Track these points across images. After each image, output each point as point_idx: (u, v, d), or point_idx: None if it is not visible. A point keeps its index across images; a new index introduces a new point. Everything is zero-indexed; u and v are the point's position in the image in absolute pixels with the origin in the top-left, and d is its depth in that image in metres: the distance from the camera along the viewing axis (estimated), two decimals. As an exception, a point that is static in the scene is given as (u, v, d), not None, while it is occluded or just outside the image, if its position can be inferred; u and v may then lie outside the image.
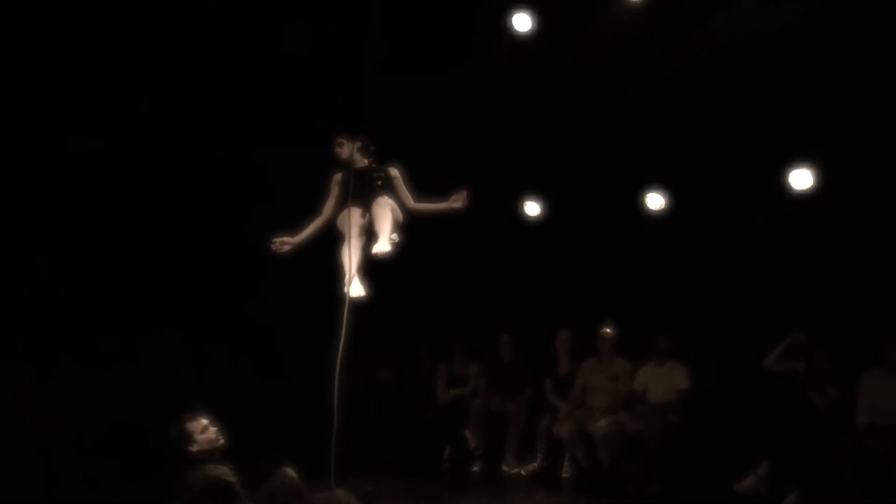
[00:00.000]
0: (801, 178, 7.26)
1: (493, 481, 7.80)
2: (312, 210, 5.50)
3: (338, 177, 5.40)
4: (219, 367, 7.67)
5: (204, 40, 7.19)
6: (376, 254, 4.94)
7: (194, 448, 4.62)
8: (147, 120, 7.27)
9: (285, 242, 5.30)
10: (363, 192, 5.24)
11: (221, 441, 4.69)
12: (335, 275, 5.14)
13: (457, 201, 5.36)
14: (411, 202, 5.42)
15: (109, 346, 6.98)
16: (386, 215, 5.11)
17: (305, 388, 8.02)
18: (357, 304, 5.01)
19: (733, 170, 7.46)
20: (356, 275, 5.06)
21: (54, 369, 6.59)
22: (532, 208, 8.80)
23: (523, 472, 7.91)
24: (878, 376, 6.50)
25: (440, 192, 5.48)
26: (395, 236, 5.08)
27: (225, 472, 4.54)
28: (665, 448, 7.09)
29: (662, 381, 7.56)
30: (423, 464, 8.21)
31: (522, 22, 7.60)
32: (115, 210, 7.10)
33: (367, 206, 5.20)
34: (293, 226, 5.45)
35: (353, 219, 5.13)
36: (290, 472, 4.77)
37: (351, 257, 5.06)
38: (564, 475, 7.66)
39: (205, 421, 4.69)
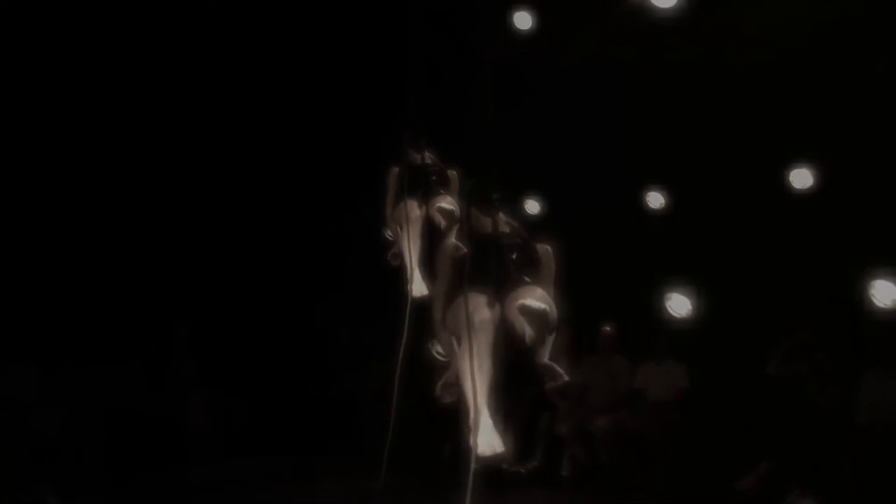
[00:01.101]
0: (803, 177, 7.29)
1: (493, 479, 7.76)
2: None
3: (394, 171, 5.23)
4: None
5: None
6: (441, 208, 4.75)
7: None
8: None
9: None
10: (417, 185, 5.01)
11: None
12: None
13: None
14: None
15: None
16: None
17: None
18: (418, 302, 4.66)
19: (735, 168, 7.46)
20: (417, 270, 4.70)
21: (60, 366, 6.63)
22: (532, 206, 8.80)
23: (523, 471, 7.90)
24: (879, 375, 6.49)
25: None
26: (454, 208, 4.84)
27: None
28: (665, 446, 7.10)
29: (662, 379, 7.56)
30: (423, 462, 8.19)
31: (523, 20, 7.62)
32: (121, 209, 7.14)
33: (422, 200, 4.95)
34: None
35: (410, 212, 4.83)
36: None
37: (411, 252, 4.75)
38: (564, 473, 7.65)
39: None
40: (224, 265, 7.78)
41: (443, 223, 4.72)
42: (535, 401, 8.22)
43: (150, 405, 7.02)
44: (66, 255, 6.83)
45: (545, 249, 4.04)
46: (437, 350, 4.96)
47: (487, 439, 3.63)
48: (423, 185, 5.01)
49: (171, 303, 7.46)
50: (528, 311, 3.55)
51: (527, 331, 3.59)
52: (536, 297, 3.64)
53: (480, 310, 3.62)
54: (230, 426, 7.61)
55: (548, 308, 3.60)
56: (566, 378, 3.82)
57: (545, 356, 3.79)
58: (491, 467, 3.70)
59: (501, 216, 4.00)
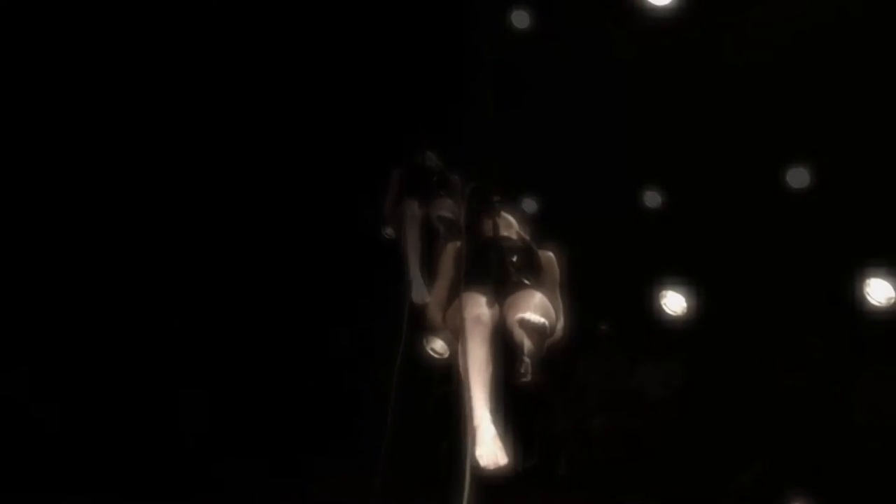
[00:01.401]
0: (800, 176, 7.32)
1: (489, 478, 7.76)
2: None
3: (396, 172, 5.24)
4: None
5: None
6: (441, 216, 4.73)
7: None
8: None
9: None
10: (418, 187, 5.01)
11: None
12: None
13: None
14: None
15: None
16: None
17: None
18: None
19: (732, 167, 7.48)
20: (418, 275, 4.63)
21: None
22: (529, 206, 8.79)
23: (520, 469, 7.90)
24: (878, 375, 6.53)
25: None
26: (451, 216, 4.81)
27: None
28: (662, 445, 7.11)
29: (659, 378, 7.59)
30: (419, 460, 8.19)
31: (522, 19, 7.62)
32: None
33: (423, 201, 4.95)
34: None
35: (411, 213, 4.83)
36: None
37: (411, 255, 4.70)
38: (561, 472, 7.67)
39: None
40: (224, 265, 7.77)
41: (443, 230, 4.69)
42: (532, 399, 8.23)
43: (148, 405, 7.01)
44: (66, 254, 6.82)
45: (548, 256, 3.90)
46: (433, 348, 4.94)
47: (490, 451, 3.49)
48: (424, 187, 4.99)
49: (171, 302, 7.46)
50: (528, 326, 3.38)
51: (525, 343, 3.44)
52: (536, 306, 3.49)
53: (478, 307, 3.48)
54: (230, 426, 7.60)
55: (547, 323, 3.42)
56: (528, 378, 3.58)
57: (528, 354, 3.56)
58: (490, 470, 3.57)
59: (506, 218, 3.95)
